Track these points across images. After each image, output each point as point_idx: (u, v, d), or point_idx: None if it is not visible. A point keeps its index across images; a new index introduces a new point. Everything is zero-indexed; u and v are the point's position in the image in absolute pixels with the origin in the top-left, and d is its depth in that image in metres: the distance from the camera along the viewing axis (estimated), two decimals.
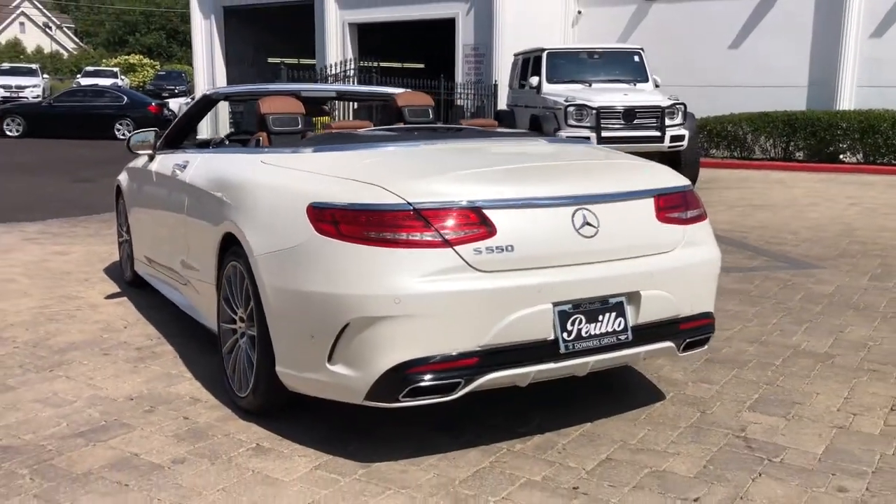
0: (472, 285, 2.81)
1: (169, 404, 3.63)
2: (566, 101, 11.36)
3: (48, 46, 57.80)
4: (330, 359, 2.91)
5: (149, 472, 2.96)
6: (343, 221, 2.85)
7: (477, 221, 2.86)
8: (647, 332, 3.18)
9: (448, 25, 17.86)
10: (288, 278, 3.00)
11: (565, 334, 2.97)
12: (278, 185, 3.26)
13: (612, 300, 3.08)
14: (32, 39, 58.54)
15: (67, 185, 12.29)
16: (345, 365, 2.88)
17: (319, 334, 2.91)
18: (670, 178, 3.42)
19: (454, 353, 2.81)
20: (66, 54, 58.11)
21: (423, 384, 2.81)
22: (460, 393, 2.88)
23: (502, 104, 15.95)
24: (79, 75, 37.00)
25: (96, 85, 26.99)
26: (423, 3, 17.96)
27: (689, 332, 3.34)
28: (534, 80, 12.56)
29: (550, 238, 2.96)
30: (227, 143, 4.87)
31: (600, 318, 3.05)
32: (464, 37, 17.66)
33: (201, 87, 22.05)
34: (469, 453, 3.11)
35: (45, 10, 63.42)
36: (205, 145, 4.95)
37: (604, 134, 11.12)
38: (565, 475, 2.94)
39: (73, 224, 8.88)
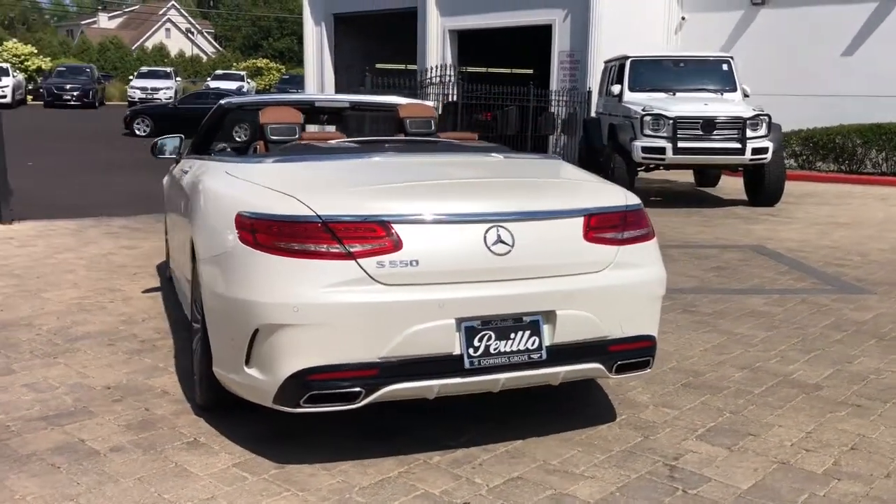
0: (372, 298, 2.89)
1: (139, 395, 3.88)
2: (643, 110, 11.12)
3: (189, 50, 61.31)
4: (247, 362, 3.05)
5: (84, 457, 3.19)
6: (258, 231, 2.99)
7: (382, 235, 2.93)
8: (566, 353, 3.15)
9: (545, 32, 17.79)
10: (218, 282, 3.16)
11: (471, 350, 2.99)
12: (225, 193, 3.43)
13: (527, 318, 3.07)
14: (176, 44, 62.26)
15: None
16: (257, 369, 3.01)
17: (237, 338, 3.06)
18: (610, 198, 3.37)
19: (353, 363, 2.90)
20: (204, 58, 61.48)
21: (322, 391, 2.91)
22: (362, 402, 2.95)
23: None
24: (209, 78, 39.13)
25: (219, 88, 28.46)
26: (520, 10, 17.95)
27: (621, 354, 3.28)
28: (615, 88, 12.37)
29: (459, 254, 2.99)
30: (228, 150, 5.12)
31: (512, 335, 3.05)
32: (560, 43, 17.53)
33: (311, 92, 22.87)
34: (385, 462, 3.18)
35: (188, 17, 67.38)
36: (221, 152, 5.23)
37: (679, 145, 10.83)
38: (465, 490, 2.96)
39: (157, 220, 9.44)
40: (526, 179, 3.50)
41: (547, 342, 3.10)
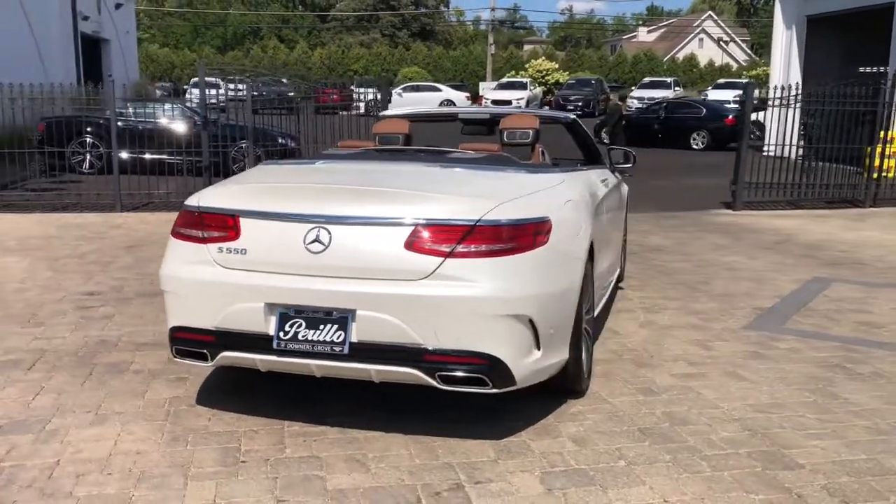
0: (208, 276, 3.49)
1: None
2: None
3: (719, 59, 61.36)
4: None
5: (109, 372, 4.38)
6: (178, 216, 3.81)
7: (227, 226, 3.50)
8: (372, 352, 3.29)
9: None
10: None
11: (281, 333, 3.38)
12: None
13: (336, 314, 3.32)
14: (707, 53, 62.85)
15: None
16: None
17: None
18: (456, 210, 3.32)
19: (197, 328, 3.54)
20: (734, 66, 60.86)
21: (181, 347, 3.62)
22: (211, 363, 3.57)
23: None
24: (709, 87, 38.96)
25: (684, 97, 28.46)
26: None
27: (440, 365, 3.27)
28: None
29: (279, 248, 3.39)
30: None
31: (321, 326, 3.34)
32: None
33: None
34: (251, 420, 3.73)
35: (723, 27, 67.30)
36: None
37: None
38: (263, 454, 3.38)
39: None
40: (362, 189, 3.56)
41: (353, 339, 3.31)
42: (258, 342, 3.44)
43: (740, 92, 35.35)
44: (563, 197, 3.86)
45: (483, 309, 3.28)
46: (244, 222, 3.50)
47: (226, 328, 3.49)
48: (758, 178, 12.11)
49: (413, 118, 5.68)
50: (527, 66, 43.70)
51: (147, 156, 11.59)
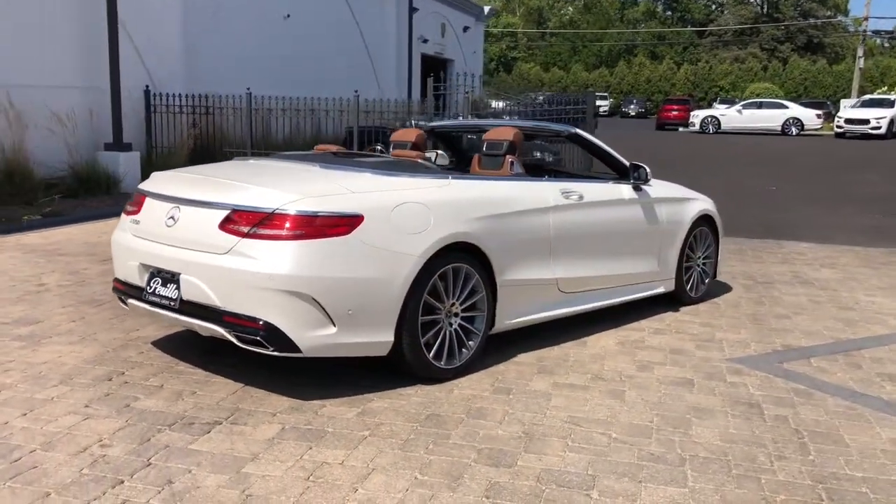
0: (121, 240, 4.56)
1: None
2: None
3: None
4: None
5: (125, 316, 5.64)
6: None
7: (139, 202, 4.53)
8: (194, 309, 4.07)
9: None
10: None
11: (148, 287, 4.31)
12: None
13: (175, 276, 4.16)
14: None
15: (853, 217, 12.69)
16: None
17: None
18: (262, 200, 3.94)
19: (118, 279, 4.62)
20: None
21: (116, 294, 4.73)
22: (128, 308, 4.63)
23: None
24: None
25: None
26: None
27: (232, 326, 3.94)
28: None
29: (153, 221, 4.33)
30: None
31: (169, 285, 4.20)
32: None
33: None
34: (163, 359, 4.70)
35: None
36: None
37: None
38: (121, 380, 4.34)
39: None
40: (226, 181, 4.25)
41: (183, 297, 4.11)
42: (139, 293, 4.43)
43: None
44: (403, 199, 4.22)
45: (262, 283, 3.87)
46: (147, 200, 4.51)
47: (128, 281, 4.53)
48: None
49: (444, 129, 6.30)
50: None
51: None
